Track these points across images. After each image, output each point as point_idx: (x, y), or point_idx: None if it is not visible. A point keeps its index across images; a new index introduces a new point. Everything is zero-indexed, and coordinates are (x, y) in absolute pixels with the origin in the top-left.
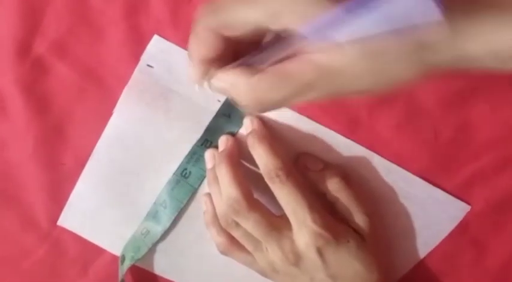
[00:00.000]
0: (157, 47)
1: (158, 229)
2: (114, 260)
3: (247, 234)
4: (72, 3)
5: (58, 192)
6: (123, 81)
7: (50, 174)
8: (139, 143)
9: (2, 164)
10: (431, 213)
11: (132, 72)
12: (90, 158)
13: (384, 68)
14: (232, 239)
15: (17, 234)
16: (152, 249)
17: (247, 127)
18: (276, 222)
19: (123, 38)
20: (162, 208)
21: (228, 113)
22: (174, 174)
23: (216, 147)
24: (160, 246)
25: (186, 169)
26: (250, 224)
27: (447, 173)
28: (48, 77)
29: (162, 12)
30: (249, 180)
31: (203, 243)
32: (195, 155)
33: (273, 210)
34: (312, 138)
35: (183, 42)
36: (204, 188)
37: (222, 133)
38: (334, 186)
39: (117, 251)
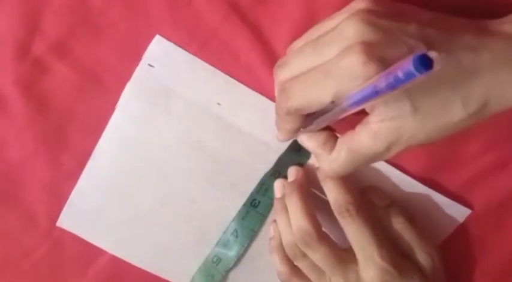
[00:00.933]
0: (159, 47)
1: (231, 256)
2: (114, 261)
3: (313, 265)
4: (71, 4)
5: (58, 192)
6: (123, 81)
7: (50, 174)
8: (139, 142)
9: (1, 164)
10: (432, 218)
11: (131, 73)
12: (91, 157)
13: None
14: (294, 269)
15: (17, 234)
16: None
17: (315, 161)
18: (343, 256)
19: (123, 38)
20: (234, 237)
21: (298, 148)
22: (243, 205)
23: (285, 177)
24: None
25: (255, 199)
26: (318, 256)
27: (447, 174)
28: (47, 77)
29: (162, 13)
30: (316, 209)
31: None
32: (264, 186)
33: (337, 240)
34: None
35: (183, 43)
36: (273, 214)
37: (291, 164)
38: (398, 225)
39: (116, 252)
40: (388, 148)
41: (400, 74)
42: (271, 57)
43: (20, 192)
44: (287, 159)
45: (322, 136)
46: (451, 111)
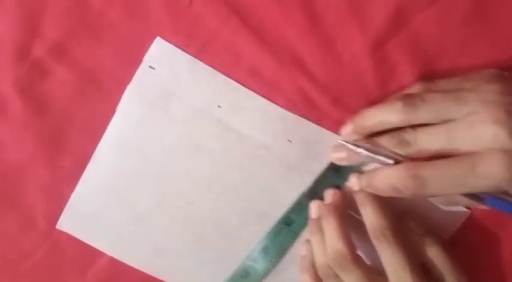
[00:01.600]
0: (160, 49)
1: (259, 272)
2: (113, 263)
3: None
4: (71, 5)
5: (57, 195)
6: (123, 83)
7: (49, 176)
8: (139, 145)
9: (1, 166)
10: (431, 219)
11: (131, 75)
12: (91, 160)
13: None
14: None
15: (16, 236)
16: None
17: (354, 184)
18: (375, 279)
19: (123, 40)
20: (264, 253)
21: (337, 168)
22: (277, 222)
23: (321, 198)
24: None
25: (289, 217)
26: (351, 279)
27: None
28: (47, 80)
29: (162, 15)
30: (350, 230)
31: None
32: (300, 205)
33: (369, 261)
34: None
35: (183, 45)
36: (305, 233)
37: (328, 185)
38: (433, 253)
39: (115, 254)
40: None
41: None
42: (273, 59)
43: (19, 194)
44: (325, 180)
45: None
46: None
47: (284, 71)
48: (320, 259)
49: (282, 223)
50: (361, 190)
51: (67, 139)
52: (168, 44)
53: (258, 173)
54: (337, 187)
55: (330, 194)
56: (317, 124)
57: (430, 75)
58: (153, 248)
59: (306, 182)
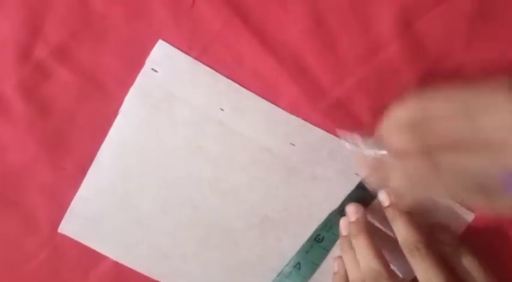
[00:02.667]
0: (162, 51)
1: None
2: (116, 266)
3: None
4: (74, 8)
5: (59, 197)
6: (125, 85)
7: (52, 178)
8: (142, 148)
9: (3, 168)
10: (437, 222)
11: (134, 77)
12: (93, 163)
13: None
14: None
15: (18, 239)
16: None
17: (384, 200)
18: None
19: (125, 42)
20: (296, 270)
21: (365, 186)
22: (307, 240)
23: None
24: None
25: (319, 235)
26: None
27: None
28: (49, 82)
29: (164, 17)
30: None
31: None
32: (330, 223)
33: (399, 272)
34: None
35: (185, 47)
36: (336, 249)
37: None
38: (468, 263)
39: (118, 257)
40: None
41: None
42: (275, 62)
43: (21, 197)
44: (353, 198)
45: None
46: None
47: (287, 74)
48: (354, 275)
49: (312, 240)
50: (392, 206)
51: (69, 141)
52: (170, 46)
53: (261, 176)
54: (366, 204)
55: (352, 210)
56: (320, 127)
57: (434, 77)
58: (157, 252)
59: (309, 185)
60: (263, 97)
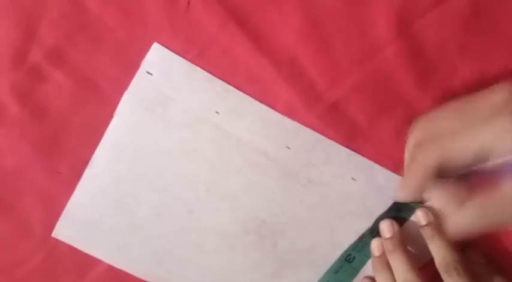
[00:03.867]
0: (157, 54)
1: None
2: (110, 270)
3: None
4: (69, 11)
5: (54, 201)
6: (120, 88)
7: (46, 182)
8: (137, 151)
9: None
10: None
11: (129, 80)
12: (88, 166)
13: None
14: None
15: (12, 242)
16: None
17: (421, 218)
18: None
19: (121, 46)
20: None
21: (399, 209)
22: (338, 259)
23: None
24: None
25: (350, 255)
26: None
27: None
28: (44, 85)
29: (160, 20)
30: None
31: None
32: (361, 243)
33: None
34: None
35: (181, 50)
36: (365, 269)
37: None
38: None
39: (113, 261)
40: None
41: None
42: (271, 65)
43: (15, 201)
44: (385, 218)
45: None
46: None
47: (283, 77)
48: None
49: (343, 260)
50: (430, 224)
51: (64, 144)
52: (165, 49)
53: (257, 179)
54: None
55: (388, 226)
56: (316, 130)
57: (429, 80)
58: (152, 255)
59: (305, 189)
60: (259, 100)
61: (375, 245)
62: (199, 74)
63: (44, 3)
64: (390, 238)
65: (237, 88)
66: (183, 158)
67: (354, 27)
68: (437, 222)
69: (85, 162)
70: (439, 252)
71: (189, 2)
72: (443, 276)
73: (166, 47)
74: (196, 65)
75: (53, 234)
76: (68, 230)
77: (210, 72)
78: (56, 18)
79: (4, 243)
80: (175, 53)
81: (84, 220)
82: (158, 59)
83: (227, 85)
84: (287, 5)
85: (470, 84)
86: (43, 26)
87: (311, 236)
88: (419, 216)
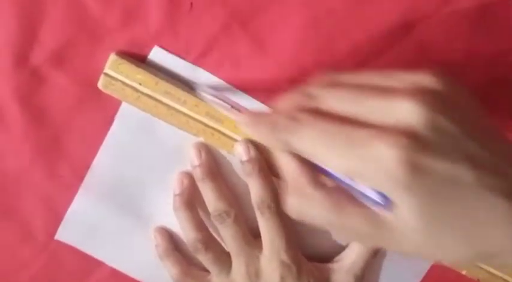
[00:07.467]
0: (158, 57)
1: None
2: (113, 273)
3: (214, 259)
4: (70, 13)
5: (56, 204)
6: None
7: (48, 186)
8: (139, 153)
9: None
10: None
11: None
12: (90, 169)
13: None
14: (188, 268)
15: (14, 247)
16: None
17: (243, 153)
18: (251, 241)
19: (122, 47)
20: None
21: None
22: None
23: None
24: None
25: None
26: (229, 233)
27: None
28: (46, 88)
29: (162, 22)
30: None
31: None
32: None
33: None
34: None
35: (183, 52)
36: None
37: None
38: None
39: (116, 264)
40: None
41: None
42: (274, 66)
43: (17, 204)
44: None
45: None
46: None
47: (285, 78)
48: (191, 235)
49: None
50: (250, 160)
51: (66, 148)
52: (166, 52)
53: None
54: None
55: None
56: None
57: None
58: (154, 258)
59: None
60: (262, 102)
61: (177, 180)
62: (201, 76)
63: (44, 5)
64: (200, 166)
65: (239, 89)
66: (186, 160)
67: (358, 28)
68: (257, 158)
69: (87, 165)
70: (256, 190)
71: (192, 3)
72: (257, 213)
73: (167, 48)
74: (198, 66)
75: (56, 237)
76: (70, 232)
77: (212, 74)
78: (57, 20)
79: (6, 247)
80: (176, 54)
81: (86, 223)
82: (159, 61)
83: (229, 86)
84: (290, 6)
85: (478, 86)
86: (44, 29)
87: None
88: (239, 152)
